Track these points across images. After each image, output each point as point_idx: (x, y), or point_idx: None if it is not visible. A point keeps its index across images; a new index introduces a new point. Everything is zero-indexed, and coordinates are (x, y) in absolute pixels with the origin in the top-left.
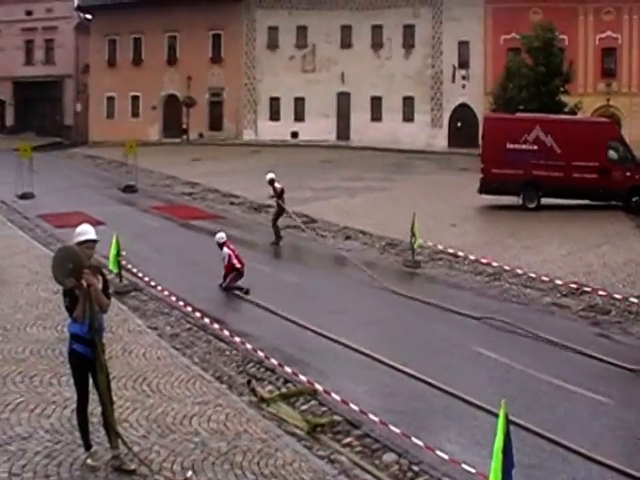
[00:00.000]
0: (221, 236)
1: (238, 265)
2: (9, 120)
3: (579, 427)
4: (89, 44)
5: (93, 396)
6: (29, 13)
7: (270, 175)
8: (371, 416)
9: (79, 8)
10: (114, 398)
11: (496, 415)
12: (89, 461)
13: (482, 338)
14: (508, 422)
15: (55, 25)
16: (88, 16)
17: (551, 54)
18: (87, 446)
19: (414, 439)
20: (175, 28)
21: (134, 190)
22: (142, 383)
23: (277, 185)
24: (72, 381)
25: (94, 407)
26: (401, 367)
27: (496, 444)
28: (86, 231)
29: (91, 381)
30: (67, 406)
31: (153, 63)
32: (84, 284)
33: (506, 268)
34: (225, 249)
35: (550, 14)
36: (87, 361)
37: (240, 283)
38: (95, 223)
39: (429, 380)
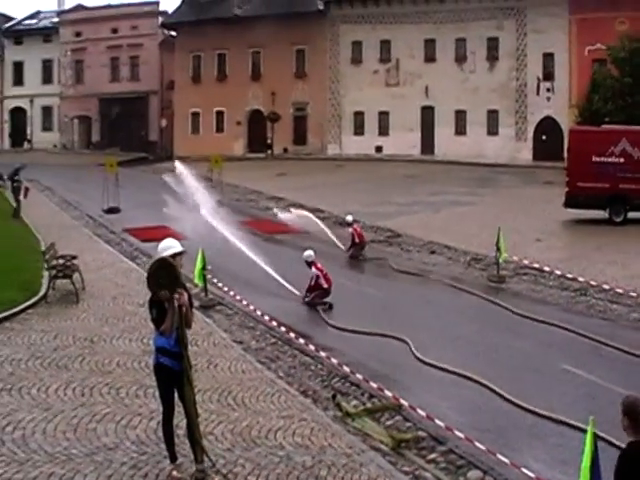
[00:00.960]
0: (309, 254)
1: (325, 285)
2: (95, 136)
3: None
4: (174, 60)
5: (178, 409)
6: (115, 31)
7: (348, 218)
8: (456, 432)
9: (164, 25)
10: (199, 411)
11: (583, 432)
12: (174, 473)
13: (568, 355)
14: (596, 439)
15: (140, 42)
16: (172, 33)
17: (638, 65)
18: (172, 458)
19: (499, 456)
20: (259, 44)
21: (219, 205)
22: (227, 396)
23: (349, 230)
24: (157, 393)
25: (180, 420)
26: (486, 383)
27: (583, 462)
28: (173, 244)
29: (176, 394)
30: (153, 418)
31: (237, 79)
32: (175, 299)
33: (592, 283)
34: (313, 269)
35: (636, 24)
36: (173, 374)
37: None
38: (180, 237)
39: (514, 398)
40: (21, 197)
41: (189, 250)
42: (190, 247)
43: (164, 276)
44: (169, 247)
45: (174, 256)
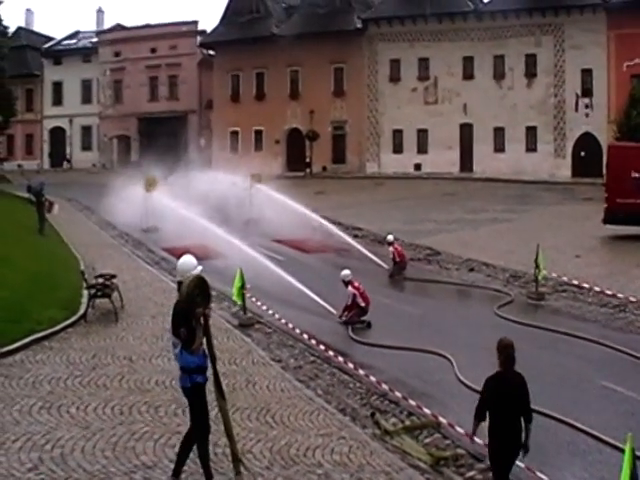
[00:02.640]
0: (346, 274)
1: (363, 304)
2: (134, 155)
3: None
4: (212, 80)
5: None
6: (153, 50)
7: (389, 237)
8: None
9: (202, 44)
10: (238, 429)
11: (622, 450)
12: None
13: (608, 371)
14: (634, 457)
15: (179, 62)
16: (211, 52)
17: None
18: (209, 476)
19: (538, 473)
20: (297, 62)
21: (257, 223)
22: (266, 415)
23: (390, 249)
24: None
25: (218, 438)
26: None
27: (622, 479)
28: (195, 260)
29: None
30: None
31: (276, 97)
32: (203, 316)
33: (632, 299)
34: (350, 288)
35: None
36: (205, 390)
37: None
38: (218, 256)
39: (553, 414)
40: (46, 212)
41: (228, 269)
42: (228, 266)
43: (200, 294)
44: (195, 264)
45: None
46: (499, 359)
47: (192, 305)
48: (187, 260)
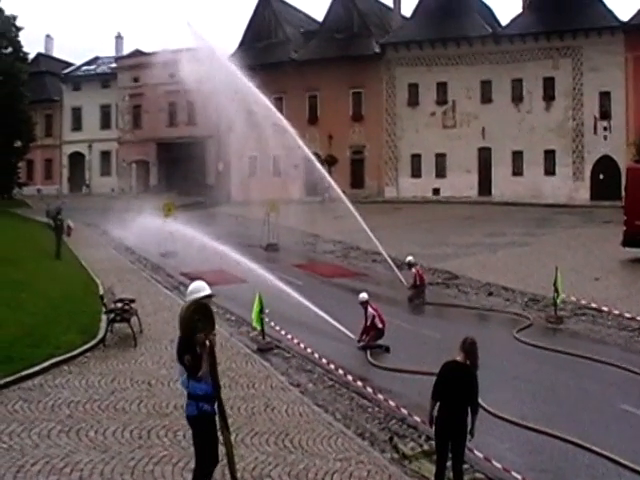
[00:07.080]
0: (364, 296)
1: (380, 325)
2: (153, 180)
3: None
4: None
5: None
6: (172, 76)
7: (408, 258)
8: (514, 474)
9: None
10: (257, 453)
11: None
12: None
13: (628, 395)
14: None
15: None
16: None
17: None
18: None
19: None
20: (316, 87)
21: (276, 248)
22: (284, 439)
23: (413, 270)
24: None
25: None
26: (539, 428)
27: None
28: (204, 287)
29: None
30: None
31: (294, 122)
32: (208, 342)
33: None
34: (369, 309)
35: None
36: (214, 419)
37: (380, 341)
38: (237, 281)
39: (572, 438)
40: (66, 236)
41: (248, 293)
42: (247, 290)
43: (201, 319)
44: (201, 289)
45: (204, 299)
46: (463, 352)
47: (191, 331)
48: (192, 287)
